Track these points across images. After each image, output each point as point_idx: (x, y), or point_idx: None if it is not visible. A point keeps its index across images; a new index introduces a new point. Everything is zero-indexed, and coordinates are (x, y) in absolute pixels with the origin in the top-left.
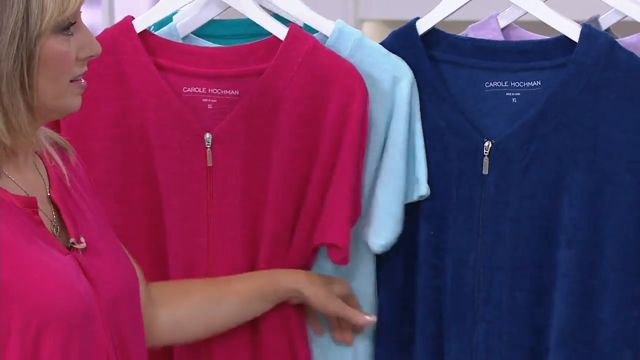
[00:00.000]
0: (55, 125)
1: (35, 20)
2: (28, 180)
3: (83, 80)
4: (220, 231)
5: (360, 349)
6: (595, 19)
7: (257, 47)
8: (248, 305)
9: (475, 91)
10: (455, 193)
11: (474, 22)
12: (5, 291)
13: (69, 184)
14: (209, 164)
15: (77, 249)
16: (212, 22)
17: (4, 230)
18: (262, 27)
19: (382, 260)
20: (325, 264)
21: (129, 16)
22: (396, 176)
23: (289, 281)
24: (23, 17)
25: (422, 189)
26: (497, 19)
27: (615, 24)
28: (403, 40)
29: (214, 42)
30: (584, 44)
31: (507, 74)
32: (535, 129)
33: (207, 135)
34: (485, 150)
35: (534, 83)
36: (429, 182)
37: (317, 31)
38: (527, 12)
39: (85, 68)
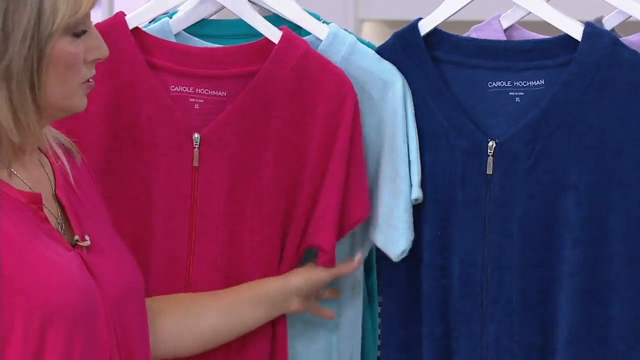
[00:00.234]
0: None
1: (47, 21)
2: (34, 178)
3: (91, 81)
4: (203, 231)
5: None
6: (599, 20)
7: (245, 49)
8: (237, 309)
9: (479, 91)
10: (461, 193)
11: (477, 22)
12: (9, 285)
13: (74, 183)
14: (195, 164)
15: (81, 246)
16: (210, 22)
17: (8, 224)
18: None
19: (387, 261)
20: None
21: (121, 12)
22: (402, 182)
23: (277, 282)
24: (36, 17)
25: (415, 193)
26: (499, 20)
27: (619, 24)
28: (405, 41)
29: (212, 42)
30: (587, 42)
31: (510, 73)
32: (539, 129)
33: (196, 135)
34: (489, 150)
35: (538, 82)
36: (434, 182)
37: (309, 33)
38: (529, 12)
39: (94, 71)
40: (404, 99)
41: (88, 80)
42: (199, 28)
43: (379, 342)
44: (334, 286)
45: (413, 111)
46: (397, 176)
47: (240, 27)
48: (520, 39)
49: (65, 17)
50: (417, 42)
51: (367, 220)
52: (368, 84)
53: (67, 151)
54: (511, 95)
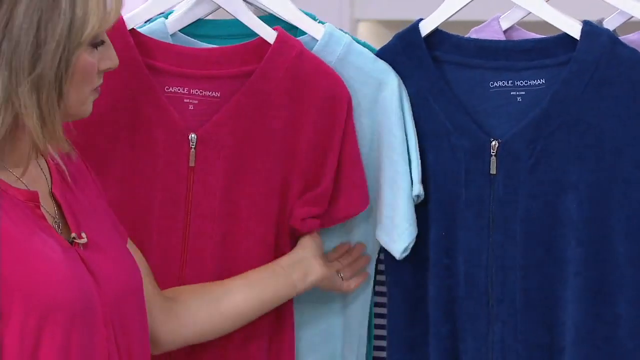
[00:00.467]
0: None
1: (77, 31)
2: (31, 176)
3: (99, 88)
4: (197, 231)
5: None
6: (600, 22)
7: (240, 49)
8: (259, 281)
9: (480, 91)
10: (464, 193)
11: (477, 22)
12: (6, 282)
13: (70, 181)
14: (191, 164)
15: (78, 243)
16: (206, 22)
17: (6, 222)
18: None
19: (392, 261)
20: None
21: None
22: (402, 180)
23: (289, 253)
24: (68, 28)
25: (416, 189)
26: (499, 21)
27: (620, 26)
28: (406, 42)
29: (208, 42)
30: (585, 41)
31: (511, 73)
32: (540, 128)
33: (192, 136)
34: (492, 150)
35: (539, 81)
36: (437, 183)
37: (304, 33)
38: (529, 13)
39: (102, 80)
40: (399, 98)
41: (97, 89)
42: (195, 28)
43: (373, 340)
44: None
45: (410, 110)
46: (397, 175)
47: (236, 27)
48: (520, 39)
49: (95, 28)
50: (418, 42)
51: (375, 220)
52: (364, 84)
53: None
54: (512, 95)
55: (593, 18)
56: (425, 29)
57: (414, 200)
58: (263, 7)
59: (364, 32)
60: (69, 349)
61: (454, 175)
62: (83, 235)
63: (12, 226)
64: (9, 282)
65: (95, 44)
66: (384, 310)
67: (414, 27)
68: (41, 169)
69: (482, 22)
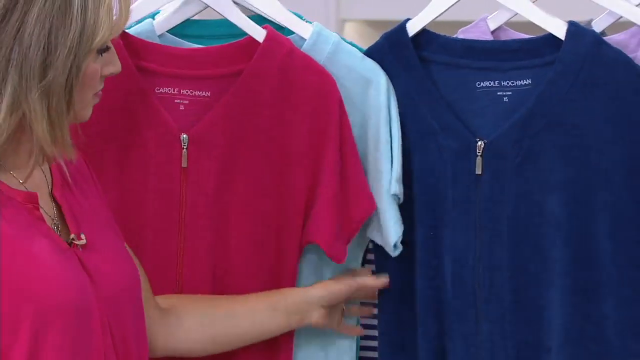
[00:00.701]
0: None
1: (87, 39)
2: (31, 178)
3: (100, 92)
4: (192, 232)
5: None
6: (588, 23)
7: (229, 49)
8: (256, 314)
9: (467, 91)
10: (451, 194)
11: (465, 23)
12: (1, 284)
13: (71, 183)
14: (184, 164)
15: (77, 244)
16: (192, 23)
17: (3, 223)
18: (240, 29)
19: (381, 261)
20: (311, 257)
21: None
22: (384, 179)
23: (297, 292)
24: (79, 35)
25: (394, 188)
26: (486, 22)
27: (609, 26)
28: (393, 42)
29: (194, 43)
30: (570, 42)
31: (497, 73)
32: (525, 128)
33: (184, 136)
34: (478, 150)
35: (525, 82)
36: (424, 183)
37: (292, 33)
38: (516, 14)
39: (103, 84)
40: (387, 97)
41: (99, 93)
42: (182, 28)
43: (359, 340)
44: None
45: (397, 109)
46: (379, 174)
47: (223, 27)
48: (507, 39)
49: (105, 36)
50: (405, 42)
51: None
52: (352, 82)
53: None
54: (499, 95)
55: (582, 19)
56: (412, 29)
57: (394, 199)
58: (250, 7)
59: (350, 32)
60: (65, 350)
61: (441, 176)
62: (82, 236)
63: (9, 228)
64: (4, 283)
65: (101, 50)
66: None
67: (401, 27)
68: (42, 171)
69: (470, 23)
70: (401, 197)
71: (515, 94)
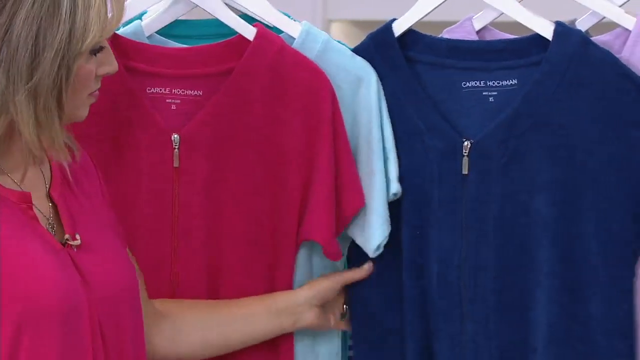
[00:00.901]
0: None
1: (77, 40)
2: (27, 177)
3: (96, 92)
4: (185, 231)
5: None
6: (572, 23)
7: (219, 47)
8: (252, 318)
9: (453, 91)
10: (437, 194)
11: (450, 23)
12: None
13: (72, 182)
14: (176, 164)
15: (71, 245)
16: (180, 23)
17: None
18: (230, 28)
19: (364, 261)
20: (302, 255)
21: None
22: (377, 178)
23: (286, 294)
24: (67, 37)
25: (394, 187)
26: (471, 22)
27: (592, 26)
28: (379, 42)
29: (182, 43)
30: (557, 41)
31: (483, 73)
32: (511, 128)
33: (175, 136)
34: (464, 150)
35: (511, 82)
36: (410, 183)
37: (281, 32)
38: (502, 14)
39: (99, 84)
40: (378, 95)
41: (94, 93)
42: (170, 29)
43: (348, 340)
44: None
45: (386, 108)
46: (372, 173)
47: (212, 27)
48: (493, 39)
49: (96, 37)
50: (391, 42)
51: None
52: (342, 81)
53: (67, 147)
54: (485, 95)
55: (565, 18)
56: (398, 29)
57: (390, 198)
58: (239, 7)
59: (337, 32)
60: (51, 350)
61: (427, 176)
62: (77, 236)
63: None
64: None
65: (95, 51)
66: None
67: (387, 27)
68: (41, 171)
69: (456, 23)
70: (399, 195)
71: (501, 94)
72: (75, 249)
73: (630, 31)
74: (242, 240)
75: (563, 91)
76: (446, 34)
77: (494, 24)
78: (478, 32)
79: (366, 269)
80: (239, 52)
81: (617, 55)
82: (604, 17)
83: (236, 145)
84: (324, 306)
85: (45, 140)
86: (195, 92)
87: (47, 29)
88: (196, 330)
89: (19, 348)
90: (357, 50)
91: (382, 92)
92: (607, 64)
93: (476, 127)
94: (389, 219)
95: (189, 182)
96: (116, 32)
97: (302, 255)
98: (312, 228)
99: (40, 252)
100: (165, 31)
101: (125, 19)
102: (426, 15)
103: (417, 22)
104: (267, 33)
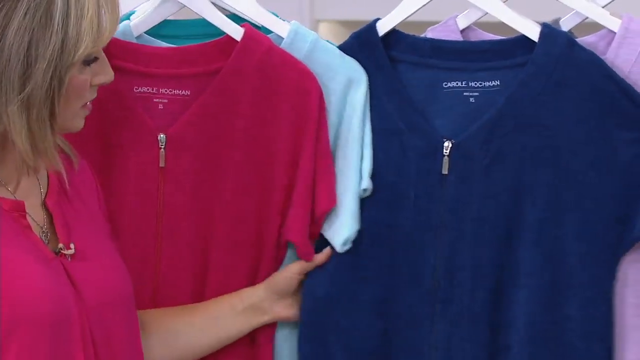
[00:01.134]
0: None
1: (69, 51)
2: (20, 186)
3: (89, 104)
4: (170, 232)
5: None
6: (556, 22)
7: (207, 47)
8: (218, 320)
9: (434, 91)
10: (414, 193)
11: (434, 23)
12: None
13: (69, 190)
14: (162, 164)
15: (64, 254)
16: (168, 22)
17: None
18: (218, 28)
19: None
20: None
21: None
22: (351, 174)
23: (251, 289)
24: (59, 48)
25: (365, 183)
26: (455, 21)
27: (576, 26)
28: (363, 41)
29: (170, 43)
30: (543, 43)
31: (465, 73)
32: (494, 129)
33: (161, 136)
34: (445, 150)
35: (493, 83)
36: (385, 181)
37: (270, 32)
38: (486, 13)
39: (95, 93)
40: (365, 95)
41: (87, 104)
42: (158, 29)
43: None
44: None
45: (369, 106)
46: (348, 169)
47: (199, 27)
48: (477, 39)
49: (89, 48)
50: (375, 42)
51: None
52: (331, 80)
53: (64, 155)
54: (465, 95)
55: (548, 18)
56: (382, 28)
57: (360, 194)
58: (227, 7)
59: (325, 32)
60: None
61: (404, 175)
62: (71, 245)
63: None
64: None
65: (88, 61)
66: None
67: (371, 26)
68: (37, 179)
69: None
70: (369, 192)
71: (482, 95)
72: (69, 258)
73: (615, 33)
74: (227, 241)
75: (548, 92)
76: (430, 33)
77: (480, 24)
78: (462, 31)
79: (324, 254)
80: (228, 52)
81: (601, 57)
82: (587, 17)
83: (223, 145)
84: (296, 295)
85: (38, 150)
86: (184, 92)
87: (39, 40)
88: (162, 341)
89: (7, 356)
90: (340, 50)
91: (369, 93)
92: (593, 66)
93: (456, 128)
94: (358, 215)
95: (175, 182)
96: None
97: (290, 254)
98: (288, 228)
99: (31, 261)
100: (153, 31)
101: None
102: (411, 15)
103: (401, 22)
104: (255, 33)
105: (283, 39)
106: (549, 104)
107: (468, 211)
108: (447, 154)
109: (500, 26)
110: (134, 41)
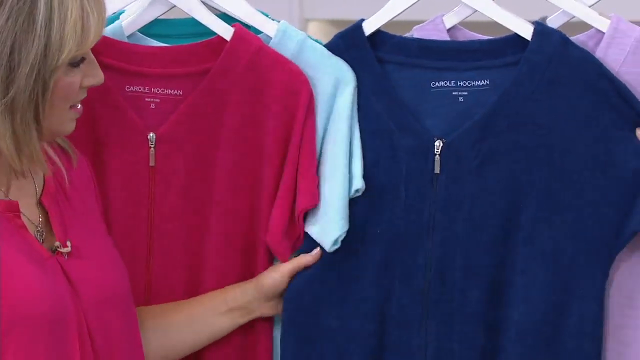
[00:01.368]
0: None
1: (53, 55)
2: (14, 185)
3: (80, 106)
4: (161, 231)
5: None
6: (544, 20)
7: (200, 47)
8: (205, 317)
9: (422, 91)
10: (404, 193)
11: (420, 22)
12: None
13: (68, 188)
14: (152, 163)
15: (61, 252)
16: (159, 22)
17: None
18: (208, 27)
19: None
20: None
21: None
22: (340, 174)
23: (237, 288)
24: (42, 52)
25: (358, 183)
26: (442, 20)
27: (564, 24)
28: (349, 41)
29: (161, 42)
30: (536, 41)
31: (453, 73)
32: (487, 128)
33: (151, 135)
34: (436, 150)
35: (482, 82)
36: (375, 182)
37: (260, 32)
38: (475, 11)
39: (85, 94)
40: (353, 95)
41: (77, 106)
42: (148, 28)
43: None
44: None
45: (357, 106)
46: (336, 169)
47: (190, 27)
48: (464, 39)
49: (72, 52)
50: (362, 42)
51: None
52: (319, 81)
53: (63, 152)
54: (454, 95)
55: (535, 16)
56: (368, 28)
57: (352, 195)
58: (216, 7)
59: (314, 31)
60: (35, 359)
61: (394, 175)
62: (68, 243)
63: None
64: None
65: (75, 63)
66: None
67: (357, 26)
68: (32, 177)
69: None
70: (361, 192)
71: (471, 95)
72: (65, 256)
73: (603, 33)
74: (218, 240)
75: (542, 91)
76: (416, 31)
77: (466, 23)
78: (449, 30)
79: (314, 255)
80: (219, 52)
81: None
82: (574, 17)
83: (213, 145)
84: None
85: (24, 154)
86: (175, 92)
87: (22, 44)
88: (153, 340)
89: (6, 356)
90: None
91: (356, 93)
92: (587, 64)
93: (446, 127)
94: (348, 215)
95: (165, 181)
96: None
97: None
98: (269, 229)
99: (26, 260)
100: (143, 30)
101: None
102: (398, 15)
103: (388, 21)
104: (245, 33)
105: (271, 38)
106: (543, 102)
107: (460, 211)
108: (439, 153)
109: (486, 25)
110: (125, 41)
